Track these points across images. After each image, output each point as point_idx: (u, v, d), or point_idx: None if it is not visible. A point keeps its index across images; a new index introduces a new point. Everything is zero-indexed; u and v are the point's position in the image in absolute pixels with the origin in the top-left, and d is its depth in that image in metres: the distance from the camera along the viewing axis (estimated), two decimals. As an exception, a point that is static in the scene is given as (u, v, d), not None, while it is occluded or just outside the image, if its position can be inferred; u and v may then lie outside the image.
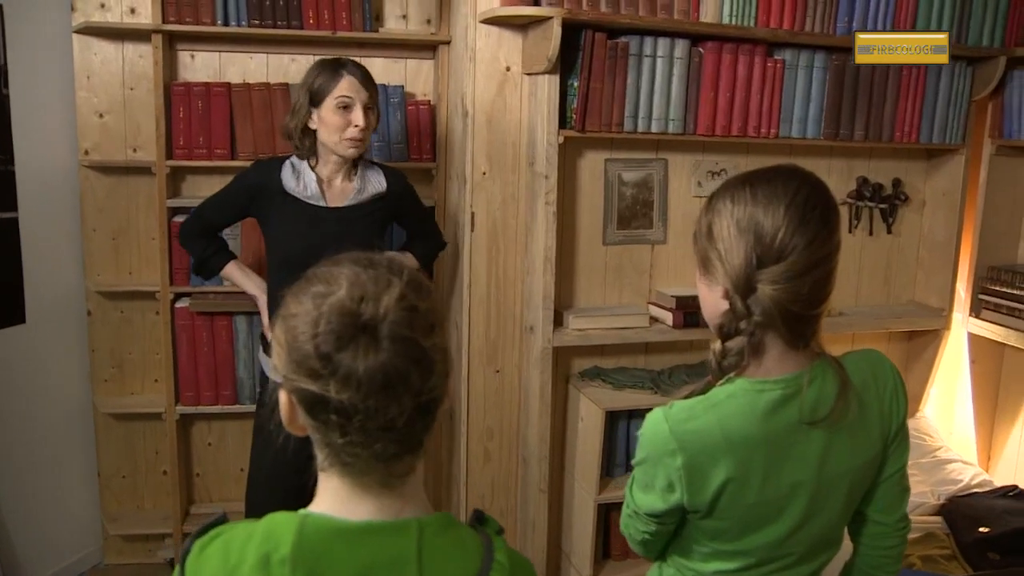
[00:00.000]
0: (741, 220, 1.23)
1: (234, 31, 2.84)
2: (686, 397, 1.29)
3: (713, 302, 1.30)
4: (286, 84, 2.93)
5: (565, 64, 2.49)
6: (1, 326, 2.76)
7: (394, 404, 0.91)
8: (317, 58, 2.98)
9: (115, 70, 2.92)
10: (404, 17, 3.06)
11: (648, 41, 2.53)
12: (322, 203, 2.36)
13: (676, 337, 2.73)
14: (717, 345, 1.26)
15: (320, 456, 0.98)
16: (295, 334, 0.92)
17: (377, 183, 2.43)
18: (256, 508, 2.42)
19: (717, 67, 2.59)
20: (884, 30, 2.63)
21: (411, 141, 3.03)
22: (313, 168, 2.38)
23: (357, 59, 3.00)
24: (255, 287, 2.54)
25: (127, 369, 3.09)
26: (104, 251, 2.99)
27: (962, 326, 3.05)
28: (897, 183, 3.02)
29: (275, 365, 0.97)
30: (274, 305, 2.39)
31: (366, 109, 2.32)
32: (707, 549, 1.33)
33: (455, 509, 2.87)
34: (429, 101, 3.06)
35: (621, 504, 2.67)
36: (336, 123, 2.31)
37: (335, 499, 0.98)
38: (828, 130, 2.73)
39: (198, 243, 2.52)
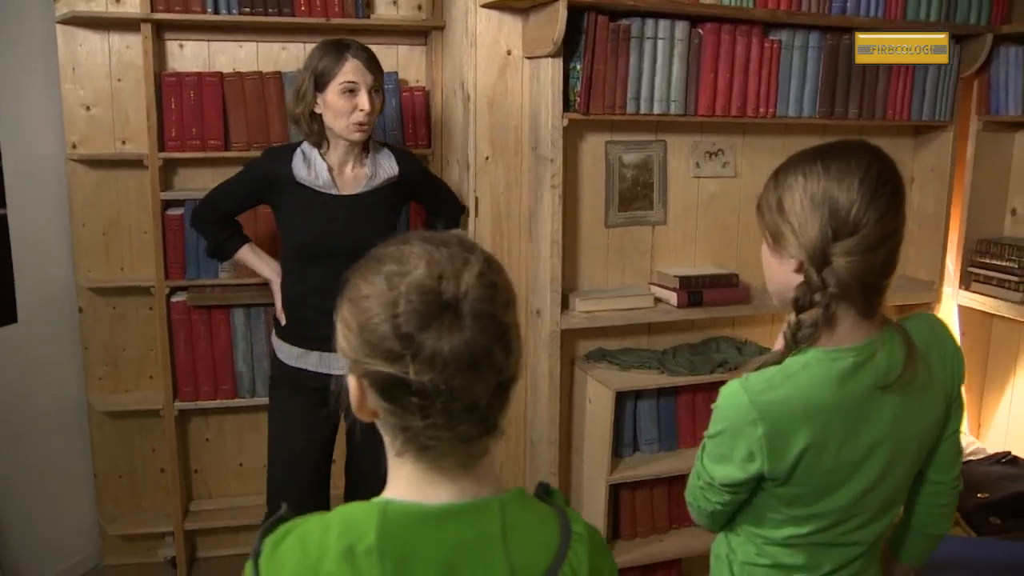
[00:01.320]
0: (815, 194, 1.27)
1: (224, 19, 2.79)
2: (758, 368, 1.32)
3: (783, 275, 1.34)
4: (279, 72, 2.89)
5: (566, 47, 2.49)
6: (-5, 326, 2.70)
7: (479, 383, 0.90)
8: (308, 45, 2.98)
9: (101, 61, 2.86)
10: (395, 3, 3.03)
11: (649, 23, 2.53)
12: (334, 191, 2.34)
13: (680, 317, 2.75)
14: (792, 317, 1.30)
15: (393, 441, 0.97)
16: (368, 316, 0.91)
17: (389, 167, 2.40)
18: (282, 492, 2.45)
19: (716, 48, 2.61)
20: (885, 18, 2.67)
21: (406, 127, 3.01)
22: (323, 155, 2.35)
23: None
24: (271, 271, 2.50)
25: (121, 366, 3.03)
26: (95, 246, 2.93)
27: (952, 299, 3.12)
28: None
29: (342, 349, 0.96)
30: (288, 292, 2.43)
31: (371, 92, 2.29)
32: (781, 516, 1.37)
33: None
34: (424, 87, 3.04)
35: (630, 484, 2.70)
36: (341, 107, 2.27)
37: (412, 484, 0.97)
38: (823, 109, 2.77)
39: (212, 228, 2.49)
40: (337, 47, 2.30)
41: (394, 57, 3.07)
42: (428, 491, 0.96)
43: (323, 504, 2.52)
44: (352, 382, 0.96)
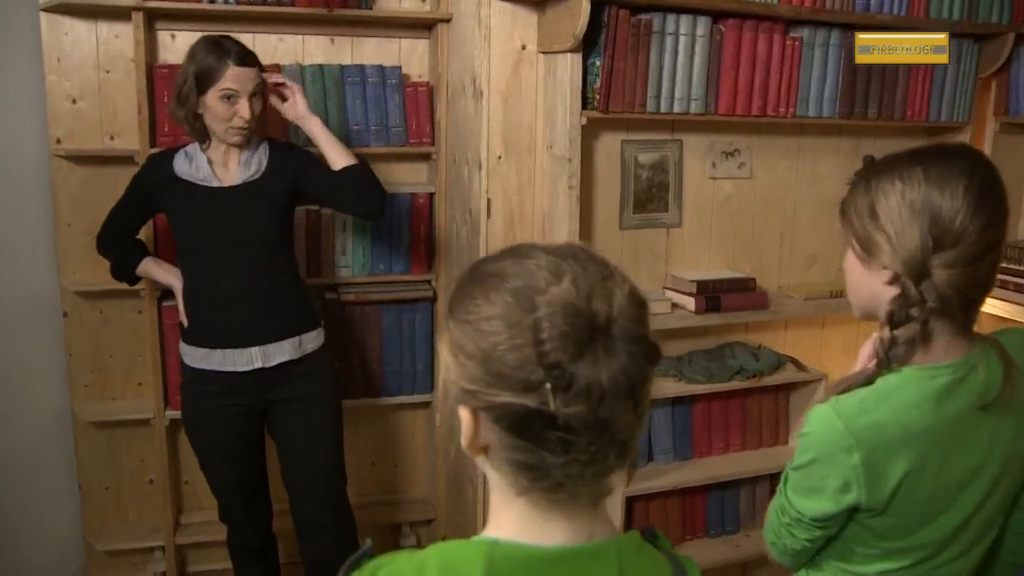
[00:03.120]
0: (915, 201, 1.18)
1: (220, 9, 2.65)
2: (845, 390, 1.23)
3: (870, 287, 1.25)
4: (277, 65, 2.75)
5: (584, 42, 2.38)
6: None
7: (628, 412, 0.81)
8: (308, 38, 2.87)
9: (88, 51, 2.70)
10: (398, -6, 2.91)
11: (671, 18, 2.44)
12: (216, 183, 2.31)
13: (697, 323, 2.66)
14: (886, 333, 1.20)
15: (514, 480, 0.85)
16: (496, 341, 0.80)
17: (263, 157, 2.38)
18: (229, 510, 2.55)
19: (738, 45, 2.52)
20: (909, 15, 2.59)
21: (409, 124, 2.88)
22: (205, 150, 2.33)
23: (349, 39, 2.89)
24: (173, 277, 2.45)
25: (108, 373, 2.89)
26: (80, 248, 2.76)
27: (966, 304, 3.07)
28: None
29: (448, 378, 0.85)
30: (188, 293, 2.37)
31: (251, 99, 2.26)
32: (874, 550, 1.27)
33: (471, 510, 2.76)
34: (428, 82, 2.92)
35: (644, 495, 2.56)
36: (220, 113, 2.25)
37: (523, 523, 0.86)
38: (843, 109, 2.69)
39: (112, 249, 2.47)
40: (218, 50, 2.24)
41: (396, 51, 2.95)
42: (541, 531, 0.86)
43: (265, 495, 2.60)
44: (465, 415, 0.84)
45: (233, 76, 2.23)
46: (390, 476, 3.25)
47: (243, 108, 2.24)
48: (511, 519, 0.87)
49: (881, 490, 1.20)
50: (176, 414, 2.78)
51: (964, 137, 2.92)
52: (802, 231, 2.96)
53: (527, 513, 0.86)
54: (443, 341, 0.87)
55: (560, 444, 0.80)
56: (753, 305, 2.69)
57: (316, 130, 2.41)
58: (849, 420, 1.19)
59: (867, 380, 1.23)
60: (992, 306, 2.96)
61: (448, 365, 0.86)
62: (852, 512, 1.24)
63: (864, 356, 1.31)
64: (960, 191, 1.16)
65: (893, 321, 1.20)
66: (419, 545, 3.23)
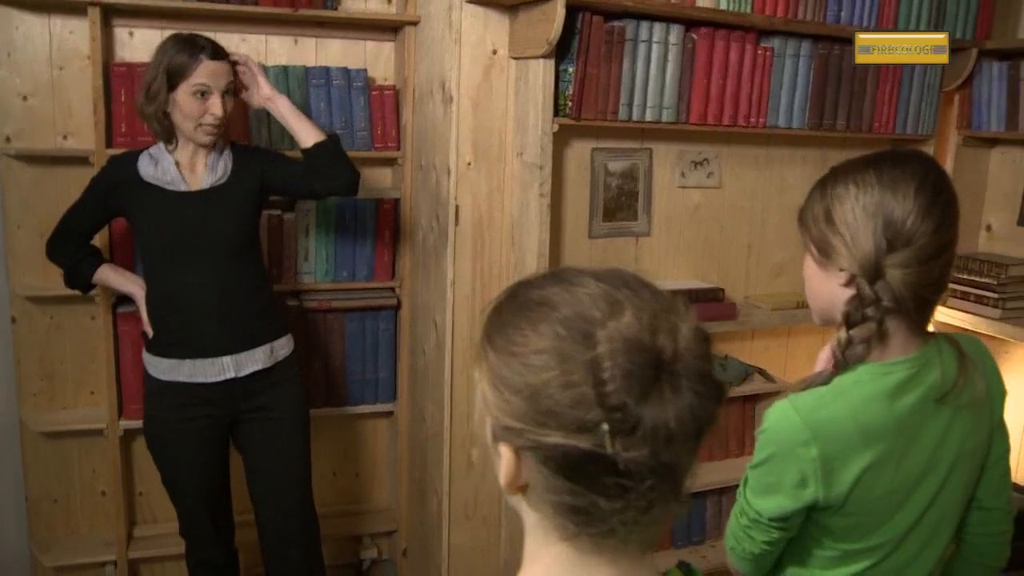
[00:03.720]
0: (868, 205, 1.22)
1: (181, 6, 2.57)
2: (803, 389, 1.25)
3: (829, 289, 1.28)
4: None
5: (557, 48, 2.35)
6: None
7: (690, 455, 0.75)
8: (271, 38, 2.80)
9: (41, 47, 2.60)
10: (363, -5, 2.85)
11: (644, 25, 2.41)
12: (183, 187, 2.24)
13: (666, 333, 2.64)
14: (842, 334, 1.23)
15: (559, 524, 0.78)
16: (547, 377, 0.73)
17: (228, 160, 2.32)
18: (193, 526, 2.46)
19: (710, 54, 2.51)
20: (879, 28, 2.61)
21: (374, 128, 2.82)
22: (171, 152, 2.26)
23: (314, 40, 2.82)
24: (135, 285, 2.37)
25: (58, 381, 2.78)
26: (30, 250, 2.65)
27: (928, 314, 3.10)
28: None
29: (489, 412, 0.78)
30: (152, 301, 2.28)
31: (223, 96, 2.20)
32: (832, 552, 1.29)
33: (435, 521, 2.70)
34: (394, 86, 2.86)
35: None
36: (191, 110, 2.18)
37: (561, 567, 0.80)
38: (812, 120, 2.70)
39: (64, 255, 2.36)
40: (191, 45, 2.18)
41: (362, 53, 2.89)
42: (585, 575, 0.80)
43: (229, 509, 2.51)
44: (506, 454, 0.77)
45: (206, 71, 2.16)
46: (351, 486, 3.18)
47: (215, 104, 2.17)
48: (549, 564, 0.81)
49: (838, 485, 1.22)
50: (130, 424, 2.69)
51: (928, 150, 2.95)
52: (769, 241, 2.97)
53: (569, 558, 0.80)
54: (481, 372, 0.80)
55: (618, 489, 0.73)
56: (722, 315, 2.68)
57: (284, 109, 2.34)
58: (807, 415, 1.21)
59: (825, 381, 1.25)
60: (953, 317, 2.99)
61: (488, 399, 0.79)
62: (810, 512, 1.26)
63: (823, 358, 1.34)
64: (911, 193, 1.21)
65: (849, 321, 1.23)
66: (380, 557, 3.17)
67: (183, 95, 2.17)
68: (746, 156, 2.86)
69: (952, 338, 1.32)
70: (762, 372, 2.87)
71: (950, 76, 2.87)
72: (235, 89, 2.29)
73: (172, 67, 2.16)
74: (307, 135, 2.32)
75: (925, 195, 1.21)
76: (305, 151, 2.32)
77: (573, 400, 0.72)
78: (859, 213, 1.22)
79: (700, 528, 2.89)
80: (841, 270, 1.25)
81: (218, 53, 2.21)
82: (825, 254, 1.27)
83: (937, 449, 1.26)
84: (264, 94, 2.35)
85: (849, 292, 1.24)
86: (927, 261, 1.21)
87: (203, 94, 2.17)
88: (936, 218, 1.21)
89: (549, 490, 0.76)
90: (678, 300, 0.77)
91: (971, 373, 1.28)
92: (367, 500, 3.21)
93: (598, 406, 0.71)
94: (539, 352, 0.74)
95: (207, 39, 2.22)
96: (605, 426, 0.71)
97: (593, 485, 0.73)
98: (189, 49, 2.17)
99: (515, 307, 0.78)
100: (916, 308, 1.23)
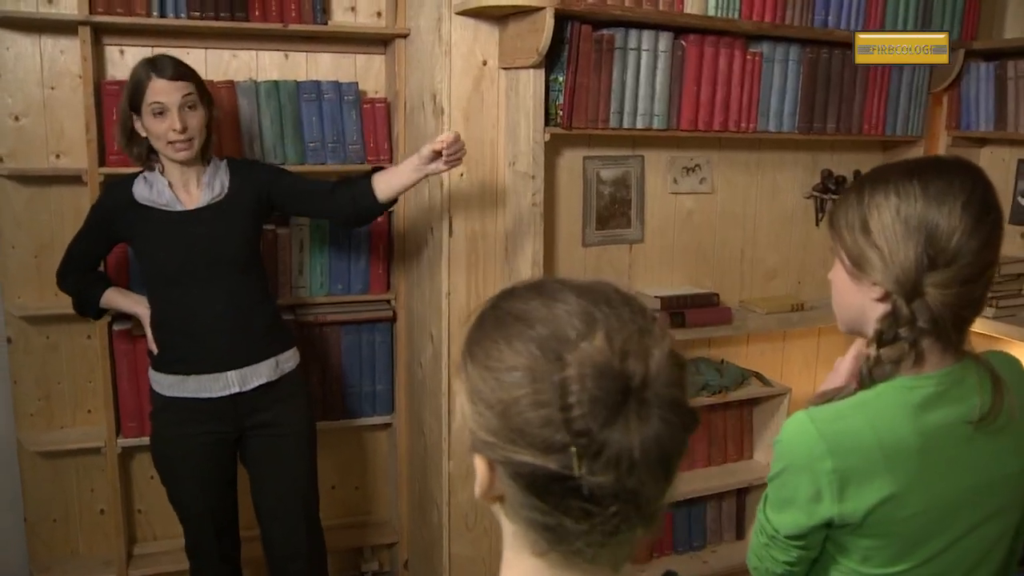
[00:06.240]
0: (910, 217, 1.13)
1: (171, 24, 2.57)
2: (823, 403, 1.19)
3: (859, 303, 1.20)
4: (231, 82, 2.68)
5: (547, 58, 2.36)
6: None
7: (660, 482, 0.74)
8: (262, 54, 2.81)
9: (32, 67, 2.61)
10: (352, 9, 2.86)
11: (633, 34, 2.43)
12: (179, 207, 2.25)
13: (662, 339, 2.64)
14: (872, 351, 1.16)
15: (526, 535, 0.79)
16: (517, 396, 0.73)
17: (225, 178, 2.32)
18: (199, 544, 2.44)
19: (699, 60, 2.53)
20: (867, 31, 2.63)
21: (367, 141, 2.83)
22: (163, 174, 2.27)
23: (304, 55, 2.83)
24: (140, 306, 2.37)
25: (55, 401, 2.77)
26: (25, 270, 2.66)
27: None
28: (858, 175, 3.05)
29: (467, 423, 0.78)
30: (158, 320, 2.28)
31: (183, 110, 2.19)
32: None
33: (436, 532, 2.70)
34: (385, 98, 2.87)
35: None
36: (155, 130, 2.20)
37: None
38: (802, 124, 2.71)
39: (72, 284, 2.39)
40: (145, 66, 2.20)
41: (352, 66, 2.90)
42: None
43: (235, 526, 2.49)
44: (480, 465, 0.78)
45: (157, 89, 2.16)
46: (351, 499, 3.18)
47: (173, 120, 2.16)
48: (525, 574, 0.81)
49: (855, 501, 1.14)
50: (128, 442, 2.69)
51: (918, 151, 2.97)
52: (762, 245, 2.98)
53: (542, 571, 0.80)
54: (460, 382, 0.80)
55: (582, 513, 0.73)
56: (717, 320, 2.69)
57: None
58: (823, 426, 1.15)
59: (846, 397, 1.19)
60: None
61: (465, 411, 0.79)
62: (829, 532, 1.19)
63: (842, 370, 1.27)
64: (958, 208, 1.12)
65: (881, 340, 1.16)
66: (381, 569, 3.17)
67: (147, 117, 2.19)
68: (737, 161, 2.88)
69: (986, 359, 1.23)
70: (759, 376, 2.88)
71: (938, 77, 2.89)
72: (205, 104, 2.26)
73: (131, 91, 2.19)
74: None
75: (972, 211, 1.13)
76: (376, 200, 2.29)
77: (542, 420, 0.71)
78: (899, 226, 1.14)
79: (700, 533, 2.89)
80: (875, 284, 1.17)
81: (172, 71, 2.19)
82: (858, 266, 1.19)
83: (974, 473, 1.19)
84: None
85: (882, 308, 1.16)
86: (969, 281, 1.12)
87: (160, 113, 2.18)
88: (983, 236, 1.13)
89: (522, 505, 0.77)
90: (655, 322, 0.76)
91: (1006, 396, 1.19)
92: (367, 512, 3.21)
93: (565, 430, 0.71)
94: (512, 369, 0.74)
95: (169, 59, 2.22)
96: (573, 449, 0.70)
97: (559, 505, 0.73)
98: (144, 70, 2.19)
99: (494, 320, 0.79)
100: (954, 329, 1.15)
